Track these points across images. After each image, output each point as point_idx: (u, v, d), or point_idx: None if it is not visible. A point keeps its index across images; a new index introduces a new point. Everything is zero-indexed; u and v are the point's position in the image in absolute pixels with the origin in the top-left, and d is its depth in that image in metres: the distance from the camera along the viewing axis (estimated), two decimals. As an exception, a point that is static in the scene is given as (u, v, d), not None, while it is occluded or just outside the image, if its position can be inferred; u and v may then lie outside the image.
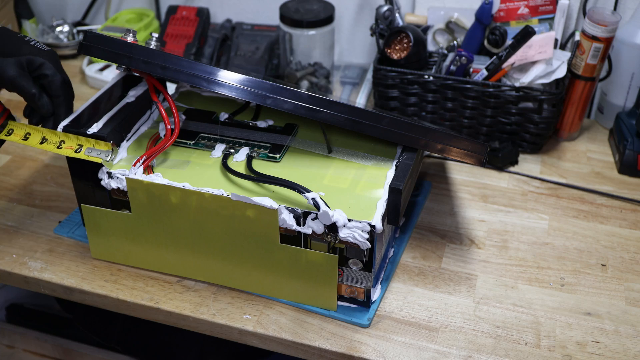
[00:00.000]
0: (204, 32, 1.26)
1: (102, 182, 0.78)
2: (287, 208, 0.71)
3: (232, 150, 0.81)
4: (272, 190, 0.75)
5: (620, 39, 1.07)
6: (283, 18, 1.15)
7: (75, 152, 0.74)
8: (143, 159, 0.77)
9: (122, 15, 1.33)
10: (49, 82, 0.75)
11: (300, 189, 0.71)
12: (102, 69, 1.24)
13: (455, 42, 1.13)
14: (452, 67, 1.05)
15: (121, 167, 0.77)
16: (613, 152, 1.08)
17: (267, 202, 0.71)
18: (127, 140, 0.82)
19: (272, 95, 0.75)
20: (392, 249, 0.87)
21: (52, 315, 1.26)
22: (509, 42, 1.04)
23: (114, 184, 0.77)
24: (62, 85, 0.76)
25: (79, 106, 0.80)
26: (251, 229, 0.73)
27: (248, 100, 0.81)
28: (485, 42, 1.08)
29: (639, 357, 0.74)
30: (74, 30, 1.35)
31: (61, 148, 0.74)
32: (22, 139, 0.75)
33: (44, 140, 0.74)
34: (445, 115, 1.07)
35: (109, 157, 0.74)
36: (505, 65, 1.03)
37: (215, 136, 0.83)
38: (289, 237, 0.73)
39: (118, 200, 0.79)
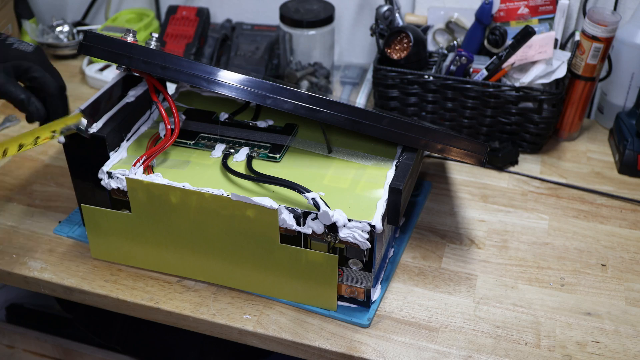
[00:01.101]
0: (204, 32, 1.26)
1: (102, 182, 0.78)
2: (287, 208, 0.71)
3: (232, 150, 0.81)
4: (272, 190, 0.75)
5: (620, 39, 1.07)
6: (283, 18, 1.15)
7: (52, 138, 0.73)
8: (143, 159, 0.77)
9: (122, 15, 1.33)
10: (40, 83, 0.74)
11: (300, 189, 0.71)
12: (102, 69, 1.24)
13: (455, 42, 1.13)
14: (452, 67, 1.05)
15: (121, 167, 0.77)
16: (613, 152, 1.08)
17: (267, 202, 0.71)
18: (127, 140, 0.82)
19: (272, 95, 0.75)
20: (392, 249, 0.87)
21: (52, 315, 1.25)
22: (509, 42, 1.04)
23: (114, 184, 0.77)
24: (51, 84, 0.75)
25: (79, 106, 0.80)
26: (251, 229, 0.73)
27: (248, 100, 0.81)
28: (485, 42, 1.08)
29: (639, 357, 0.74)
30: (74, 30, 1.35)
31: (37, 143, 0.73)
32: (2, 157, 0.74)
33: (21, 147, 0.72)
34: (445, 115, 1.07)
35: (84, 126, 0.73)
36: (505, 65, 1.03)
37: (215, 136, 0.83)
38: (289, 237, 0.73)
39: (118, 200, 0.79)
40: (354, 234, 0.70)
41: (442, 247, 0.89)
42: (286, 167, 0.79)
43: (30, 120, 0.77)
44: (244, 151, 0.81)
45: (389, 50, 1.06)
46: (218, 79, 0.75)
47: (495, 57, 1.02)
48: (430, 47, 1.16)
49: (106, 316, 1.16)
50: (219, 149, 0.81)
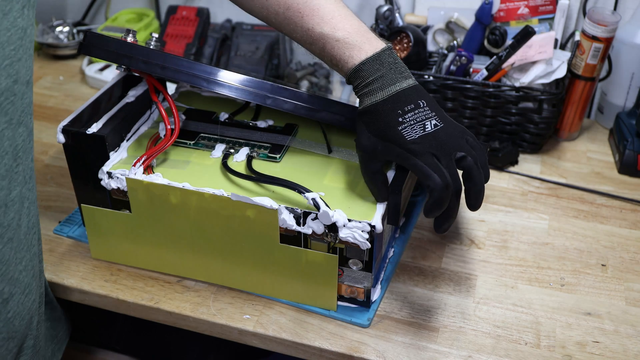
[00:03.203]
0: (204, 32, 1.26)
1: (102, 182, 0.78)
2: (287, 208, 0.71)
3: (232, 150, 0.81)
4: (272, 190, 0.75)
5: (620, 39, 1.07)
6: (283, 18, 1.15)
7: None
8: (143, 159, 0.77)
9: (122, 15, 1.33)
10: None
11: (300, 189, 0.71)
12: (102, 69, 1.24)
13: (455, 42, 1.13)
14: (452, 67, 1.05)
15: (121, 167, 0.77)
16: (613, 152, 1.08)
17: (267, 202, 0.70)
18: (127, 140, 0.82)
19: (272, 95, 0.75)
20: (392, 249, 0.87)
21: (52, 315, 1.25)
22: (509, 42, 1.04)
23: (114, 184, 0.77)
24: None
25: (79, 106, 0.80)
26: (251, 229, 0.73)
27: (248, 100, 0.81)
28: (485, 42, 1.08)
29: (639, 357, 0.74)
30: (74, 30, 1.35)
31: None
32: None
33: None
34: (445, 115, 1.07)
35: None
36: (505, 65, 1.03)
37: (215, 136, 0.83)
38: (289, 237, 0.73)
39: (118, 200, 0.79)
40: (354, 234, 0.70)
41: (442, 247, 0.89)
42: (286, 167, 0.79)
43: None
44: (244, 151, 0.81)
45: (389, 50, 1.06)
46: (218, 79, 0.75)
47: (495, 57, 1.02)
48: (430, 47, 1.16)
49: (106, 316, 1.16)
50: (219, 149, 0.81)
